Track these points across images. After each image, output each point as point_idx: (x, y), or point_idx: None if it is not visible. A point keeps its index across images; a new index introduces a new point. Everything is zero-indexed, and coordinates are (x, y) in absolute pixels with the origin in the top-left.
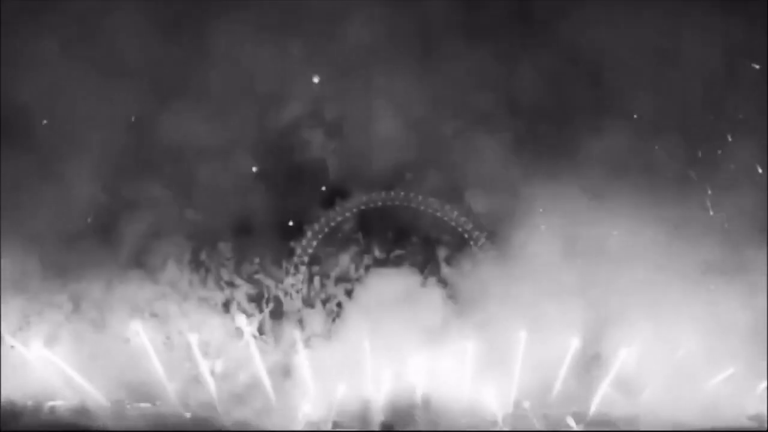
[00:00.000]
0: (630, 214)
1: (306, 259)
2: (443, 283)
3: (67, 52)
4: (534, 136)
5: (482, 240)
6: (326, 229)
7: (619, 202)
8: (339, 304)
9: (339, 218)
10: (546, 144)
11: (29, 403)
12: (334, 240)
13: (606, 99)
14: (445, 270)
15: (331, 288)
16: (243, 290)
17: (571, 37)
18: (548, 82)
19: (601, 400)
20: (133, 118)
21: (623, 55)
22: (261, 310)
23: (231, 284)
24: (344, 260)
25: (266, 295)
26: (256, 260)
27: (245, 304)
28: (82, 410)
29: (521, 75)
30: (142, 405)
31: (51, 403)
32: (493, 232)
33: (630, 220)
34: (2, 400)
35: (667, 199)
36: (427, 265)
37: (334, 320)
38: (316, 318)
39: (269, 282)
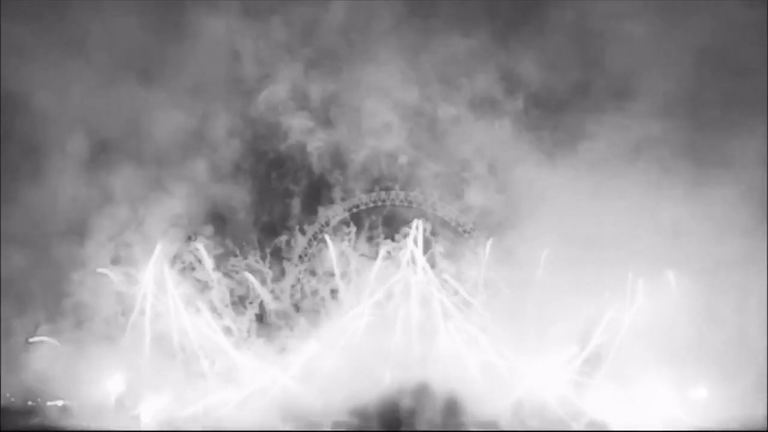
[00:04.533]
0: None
1: (304, 260)
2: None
3: (43, 39)
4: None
5: (480, 235)
6: (323, 230)
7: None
8: (324, 303)
9: (335, 218)
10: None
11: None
12: (326, 237)
13: (611, 82)
14: (442, 264)
15: (322, 287)
16: (226, 290)
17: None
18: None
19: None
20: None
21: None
22: (245, 307)
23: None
24: (338, 258)
25: (251, 296)
26: (239, 258)
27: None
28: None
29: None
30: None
31: (50, 403)
32: (491, 227)
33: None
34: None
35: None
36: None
37: (322, 319)
38: (305, 317)
39: (254, 282)
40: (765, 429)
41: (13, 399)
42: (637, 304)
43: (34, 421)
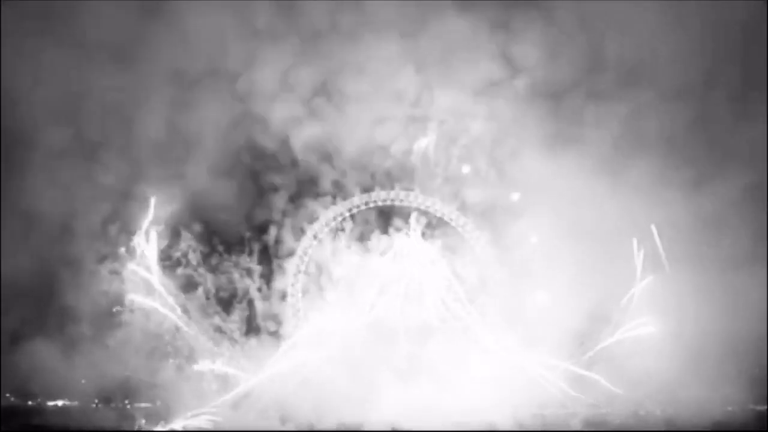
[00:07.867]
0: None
1: (304, 260)
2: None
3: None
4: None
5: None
6: (322, 233)
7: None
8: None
9: (337, 219)
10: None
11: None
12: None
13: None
14: (441, 262)
15: (318, 286)
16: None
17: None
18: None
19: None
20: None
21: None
22: (233, 307)
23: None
24: (333, 256)
25: (239, 296)
26: (227, 256)
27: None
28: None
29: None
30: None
31: (51, 403)
32: (491, 224)
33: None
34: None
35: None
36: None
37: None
38: (299, 318)
39: (245, 282)
40: (765, 429)
41: (12, 399)
42: (638, 303)
43: (34, 421)
